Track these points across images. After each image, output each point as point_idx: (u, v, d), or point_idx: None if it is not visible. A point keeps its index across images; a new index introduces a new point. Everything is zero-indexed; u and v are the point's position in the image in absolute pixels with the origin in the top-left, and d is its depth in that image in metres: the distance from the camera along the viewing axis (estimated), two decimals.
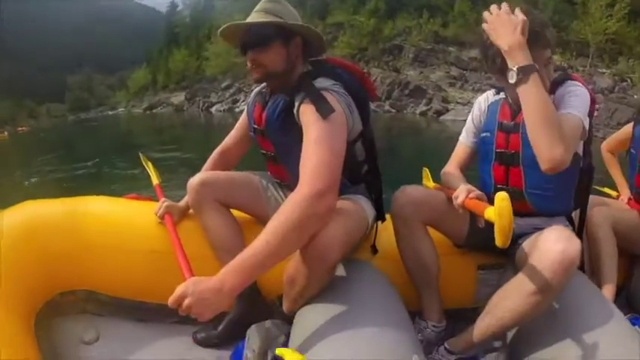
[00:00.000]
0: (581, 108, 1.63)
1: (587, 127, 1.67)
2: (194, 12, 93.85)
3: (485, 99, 2.02)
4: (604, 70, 41.19)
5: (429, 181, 2.29)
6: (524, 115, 1.51)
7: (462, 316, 1.89)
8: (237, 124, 2.08)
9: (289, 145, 1.68)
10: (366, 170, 1.91)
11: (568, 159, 1.46)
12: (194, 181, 1.87)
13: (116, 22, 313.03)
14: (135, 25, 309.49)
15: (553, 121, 1.46)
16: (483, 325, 1.63)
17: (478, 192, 1.60)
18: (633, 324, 2.06)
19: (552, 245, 1.43)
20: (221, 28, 1.73)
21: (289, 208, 1.36)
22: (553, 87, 1.75)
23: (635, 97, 33.35)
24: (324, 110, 1.53)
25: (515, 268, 1.70)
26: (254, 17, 1.69)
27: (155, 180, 2.41)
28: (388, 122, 26.41)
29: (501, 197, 1.24)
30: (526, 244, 1.71)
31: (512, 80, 1.48)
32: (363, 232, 1.73)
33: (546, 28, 1.62)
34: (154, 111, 60.29)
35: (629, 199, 2.64)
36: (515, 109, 1.81)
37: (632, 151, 2.64)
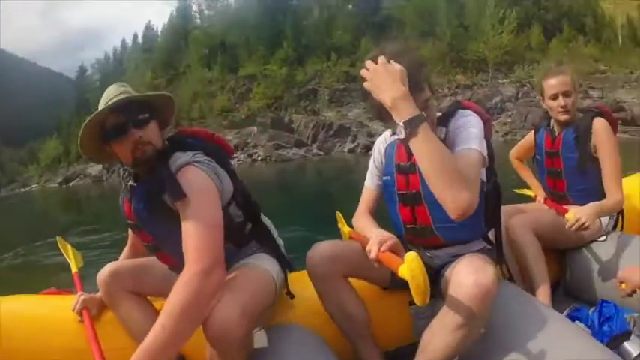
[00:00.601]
0: (477, 139, 1.63)
1: (485, 153, 1.67)
2: (104, 75, 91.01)
3: (383, 141, 2.03)
4: (504, 80, 45.07)
5: (343, 226, 2.37)
6: (421, 168, 1.45)
7: (405, 353, 1.83)
8: None
9: (166, 232, 1.66)
10: (250, 228, 1.90)
11: (475, 201, 1.43)
12: (103, 274, 1.85)
13: (21, 89, 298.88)
14: (42, 91, 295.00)
15: (451, 169, 1.41)
16: None
17: (390, 240, 1.54)
18: (575, 316, 2.24)
19: (464, 278, 1.43)
20: (87, 121, 1.63)
21: (178, 290, 1.37)
22: (445, 119, 1.76)
23: (537, 97, 36.28)
24: (175, 195, 1.53)
25: (441, 297, 1.69)
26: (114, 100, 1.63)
27: (74, 267, 2.34)
28: (318, 165, 26.64)
29: (410, 258, 1.23)
30: (447, 274, 1.72)
31: (401, 136, 1.40)
32: (270, 291, 1.71)
33: (421, 69, 1.60)
34: (71, 184, 56.83)
35: (545, 199, 2.81)
36: (410, 150, 1.73)
37: (537, 156, 2.83)
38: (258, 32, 57.33)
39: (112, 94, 1.68)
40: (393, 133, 1.96)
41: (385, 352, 1.93)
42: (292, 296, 1.94)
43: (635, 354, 1.98)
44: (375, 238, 1.56)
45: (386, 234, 1.61)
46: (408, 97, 1.39)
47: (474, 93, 41.02)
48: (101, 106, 1.65)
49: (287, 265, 1.94)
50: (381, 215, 2.00)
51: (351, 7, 58.62)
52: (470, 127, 1.67)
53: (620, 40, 78.78)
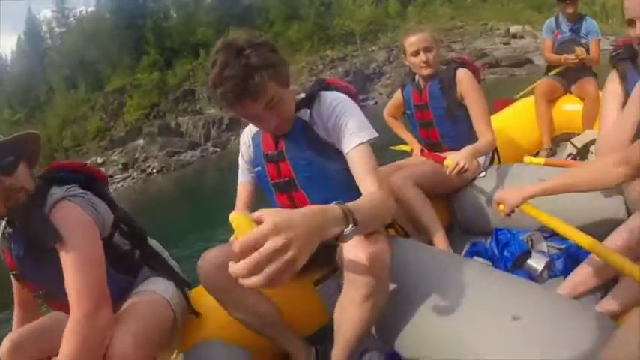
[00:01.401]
0: (357, 124, 1.62)
1: (372, 133, 1.65)
2: None
3: (248, 132, 1.98)
4: (373, 48, 47.33)
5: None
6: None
7: (325, 334, 1.83)
8: None
9: (52, 277, 1.56)
10: (139, 255, 1.86)
11: (385, 185, 1.54)
12: (2, 350, 1.71)
13: None
14: None
15: (383, 213, 1.41)
16: (341, 342, 1.57)
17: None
18: (474, 251, 2.38)
19: (356, 252, 1.36)
20: None
21: (67, 338, 1.36)
22: (308, 100, 1.73)
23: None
24: (50, 238, 1.48)
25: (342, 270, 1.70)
26: None
27: None
28: (217, 163, 25.86)
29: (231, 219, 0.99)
30: (339, 249, 1.65)
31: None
32: (166, 314, 1.70)
33: (254, 76, 1.45)
34: None
35: (422, 150, 2.95)
36: (277, 137, 1.77)
37: (408, 111, 3.00)
38: (118, 43, 53.98)
39: None
40: None
41: (306, 338, 1.93)
42: (197, 314, 1.91)
43: (540, 268, 2.12)
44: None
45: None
46: (324, 227, 1.06)
47: (351, 64, 42.46)
48: None
49: (184, 284, 1.91)
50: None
51: (209, 0, 57.30)
52: (350, 116, 1.64)
53: None
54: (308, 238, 0.91)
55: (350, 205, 1.16)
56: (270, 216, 0.87)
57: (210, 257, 1.70)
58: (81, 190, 1.65)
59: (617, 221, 1.85)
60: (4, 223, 1.74)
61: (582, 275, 1.81)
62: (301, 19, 51.84)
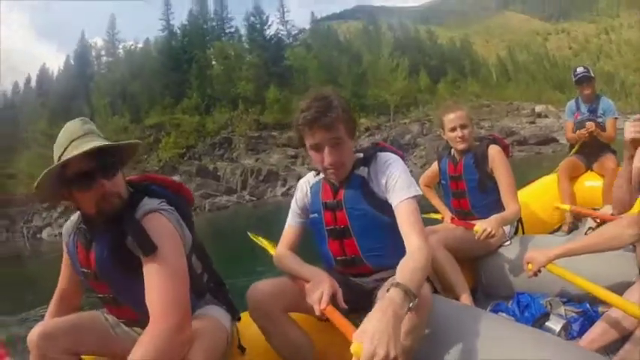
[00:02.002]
0: (409, 184, 1.79)
1: (417, 188, 1.82)
2: None
3: (306, 182, 2.14)
4: (405, 120, 49.61)
5: (263, 242, 2.74)
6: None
7: None
8: (63, 264, 1.87)
9: (129, 284, 1.59)
10: (207, 279, 1.91)
11: (427, 239, 1.66)
12: (33, 335, 1.63)
13: None
14: None
15: (428, 271, 1.53)
16: None
17: (327, 289, 1.65)
18: (497, 311, 2.52)
19: None
20: (53, 165, 1.53)
21: (147, 343, 1.35)
22: (366, 160, 1.93)
23: (438, 132, 40.84)
24: (147, 248, 1.48)
25: None
26: (83, 143, 1.52)
27: None
28: (252, 210, 26.29)
29: (356, 350, 1.13)
30: (383, 292, 1.73)
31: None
32: (225, 343, 1.73)
33: (333, 111, 1.75)
34: None
35: (452, 218, 3.16)
36: (336, 187, 1.97)
37: (443, 181, 3.25)
38: (162, 81, 56.29)
39: (75, 132, 1.57)
40: (317, 174, 2.10)
41: None
42: (243, 350, 1.93)
43: (558, 329, 2.24)
44: (320, 288, 1.67)
45: (319, 279, 1.73)
46: (400, 317, 1.24)
47: (388, 133, 44.65)
48: (63, 141, 1.55)
49: (236, 315, 1.94)
50: (302, 250, 2.11)
51: (250, 57, 59.48)
52: (399, 174, 1.81)
53: (495, 76, 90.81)
54: (395, 337, 1.15)
55: (407, 281, 1.34)
56: (368, 340, 1.12)
57: (260, 287, 1.82)
58: (170, 207, 1.66)
59: (630, 279, 2.04)
60: (77, 218, 1.75)
61: (598, 332, 1.89)
62: (339, 86, 53.63)
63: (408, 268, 1.46)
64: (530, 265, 2.01)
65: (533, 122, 51.49)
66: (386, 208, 1.83)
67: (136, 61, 63.06)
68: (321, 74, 57.01)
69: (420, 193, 1.81)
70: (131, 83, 56.88)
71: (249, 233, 3.21)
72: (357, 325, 1.39)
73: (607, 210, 3.17)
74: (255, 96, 52.16)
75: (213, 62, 59.86)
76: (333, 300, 1.64)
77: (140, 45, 70.25)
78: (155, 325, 1.38)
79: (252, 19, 64.50)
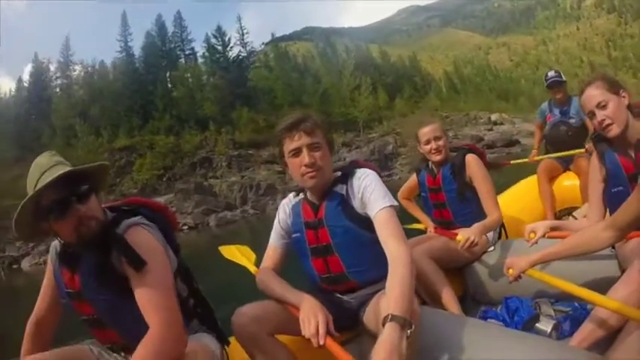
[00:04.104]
0: (385, 194, 1.82)
1: (393, 201, 1.83)
2: None
3: (288, 202, 2.15)
4: (373, 135, 52.56)
5: (248, 263, 2.54)
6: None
7: None
8: (44, 287, 1.85)
9: (113, 304, 1.60)
10: (193, 304, 1.86)
11: (408, 246, 1.66)
12: None
13: None
14: None
15: (413, 283, 1.53)
16: None
17: (323, 318, 1.60)
18: (486, 317, 2.49)
19: None
20: (27, 198, 1.51)
21: (148, 344, 1.39)
22: (344, 177, 1.96)
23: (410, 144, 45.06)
24: (136, 263, 1.49)
25: (367, 333, 1.88)
26: (53, 173, 1.51)
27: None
28: (256, 223, 26.16)
29: None
30: (369, 312, 1.83)
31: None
32: None
33: (312, 119, 1.88)
34: None
35: (435, 228, 3.12)
36: (316, 206, 1.99)
37: (423, 194, 3.21)
38: (126, 103, 55.59)
39: (45, 165, 1.56)
40: (297, 194, 2.13)
41: None
42: None
43: (548, 330, 2.23)
44: (314, 318, 1.60)
45: (311, 307, 1.65)
46: (402, 354, 1.30)
47: (368, 146, 46.65)
48: (35, 175, 1.54)
49: (225, 341, 1.89)
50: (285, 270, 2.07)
51: (213, 79, 59.94)
52: (375, 186, 1.84)
53: (445, 90, 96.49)
54: None
55: (399, 309, 1.38)
56: None
57: (245, 311, 1.77)
58: (151, 223, 1.68)
59: (612, 278, 1.97)
60: (57, 243, 1.73)
61: (587, 331, 1.87)
62: (305, 105, 55.21)
63: (396, 290, 1.47)
64: (511, 271, 2.02)
65: (491, 129, 55.98)
66: (366, 223, 1.85)
67: (95, 83, 61.71)
68: (288, 95, 58.54)
69: (396, 203, 1.83)
70: (91, 106, 55.53)
71: (220, 248, 2.90)
72: (350, 352, 1.47)
73: (586, 209, 3.07)
74: (222, 116, 52.73)
75: (170, 87, 59.64)
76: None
77: (97, 67, 68.12)
78: (157, 328, 1.42)
79: (213, 40, 64.84)
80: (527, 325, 2.33)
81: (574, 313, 2.33)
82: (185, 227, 27.60)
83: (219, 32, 65.00)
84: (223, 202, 31.81)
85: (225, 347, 1.89)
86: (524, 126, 57.72)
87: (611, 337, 1.77)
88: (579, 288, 1.70)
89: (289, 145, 1.86)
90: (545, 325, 2.29)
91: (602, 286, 1.85)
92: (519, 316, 2.39)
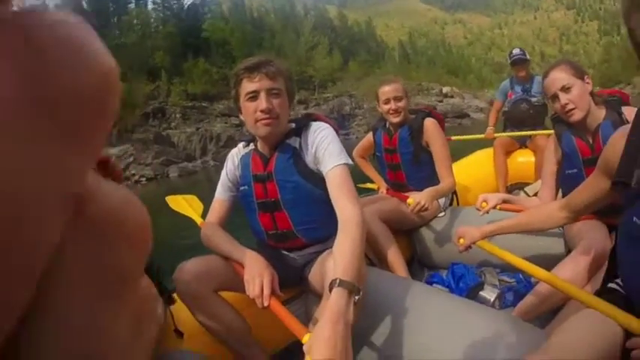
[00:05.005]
0: (340, 152, 1.73)
1: (348, 159, 1.74)
2: None
3: (237, 153, 2.04)
4: (329, 95, 52.97)
5: (194, 214, 2.42)
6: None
7: (292, 351, 1.83)
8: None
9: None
10: None
11: (360, 207, 1.57)
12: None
13: None
14: None
15: (363, 249, 1.47)
16: None
17: (268, 277, 1.60)
18: (432, 282, 2.54)
19: None
20: None
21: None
22: (298, 130, 1.86)
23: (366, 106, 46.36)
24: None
25: (312, 292, 1.88)
26: None
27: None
28: (214, 176, 24.11)
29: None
30: (315, 271, 1.83)
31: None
32: (156, 327, 1.61)
33: (275, 64, 1.77)
34: None
35: (387, 189, 3.12)
36: (266, 158, 1.89)
37: (377, 154, 3.15)
38: None
39: None
40: (247, 144, 2.02)
41: (273, 356, 1.95)
42: (181, 334, 1.82)
43: (492, 299, 2.31)
44: (258, 278, 1.59)
45: (257, 266, 1.64)
46: (349, 320, 1.23)
47: (327, 104, 47.54)
48: None
49: (170, 301, 1.81)
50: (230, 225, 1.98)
51: (164, 27, 57.42)
52: (330, 141, 1.76)
53: (398, 58, 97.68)
54: (348, 350, 1.14)
55: (348, 274, 1.31)
56: (317, 352, 1.10)
57: (187, 267, 1.71)
58: None
59: (557, 256, 2.06)
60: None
61: (529, 304, 1.92)
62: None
63: (346, 253, 1.41)
64: (462, 240, 1.99)
65: (441, 101, 57.49)
66: (318, 179, 1.79)
67: None
68: (244, 48, 57.10)
69: (351, 162, 1.75)
70: None
71: (167, 199, 2.77)
72: (292, 311, 1.47)
73: (537, 185, 3.11)
74: (174, 67, 50.93)
75: (119, 33, 56.56)
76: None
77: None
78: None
79: None
80: (472, 292, 2.36)
81: (518, 285, 2.39)
82: (143, 179, 26.73)
83: None
84: (183, 153, 31.31)
85: (170, 307, 1.81)
86: (473, 101, 60.89)
87: (552, 312, 1.83)
88: (528, 263, 1.68)
89: (247, 87, 1.75)
90: (489, 294, 2.33)
91: (548, 262, 1.89)
92: (464, 282, 2.42)
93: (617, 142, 1.31)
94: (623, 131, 1.30)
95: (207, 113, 43.86)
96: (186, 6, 61.28)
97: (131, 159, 28.16)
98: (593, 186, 1.51)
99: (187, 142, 33.19)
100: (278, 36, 65.43)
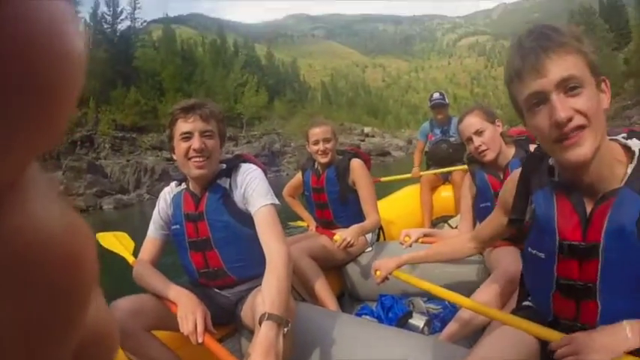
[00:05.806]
0: (268, 192, 1.83)
1: (275, 200, 1.85)
2: None
3: (169, 192, 2.09)
4: (255, 133, 55.17)
5: (125, 252, 2.47)
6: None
7: None
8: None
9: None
10: None
11: (287, 246, 1.70)
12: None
13: None
14: None
15: (289, 283, 1.59)
16: None
17: (204, 313, 1.67)
18: (362, 314, 2.67)
19: None
20: None
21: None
22: (228, 171, 1.95)
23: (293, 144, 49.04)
24: None
25: (245, 328, 1.94)
26: None
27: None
28: (148, 211, 21.28)
29: None
30: (246, 308, 1.87)
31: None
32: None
33: (208, 107, 1.86)
34: None
35: (316, 227, 3.24)
36: (197, 198, 1.97)
37: (306, 193, 3.32)
38: None
39: None
40: (179, 184, 2.07)
41: None
42: None
43: (421, 326, 2.40)
44: (191, 314, 1.63)
45: (189, 304, 1.67)
46: (279, 352, 1.38)
47: (259, 142, 48.98)
48: None
49: None
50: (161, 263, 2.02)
51: (97, 51, 54.82)
52: (258, 182, 1.86)
53: (320, 99, 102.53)
54: None
55: (276, 307, 1.41)
56: None
57: (120, 305, 1.71)
58: None
59: (479, 282, 2.17)
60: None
61: (455, 327, 2.00)
62: (190, 95, 53.10)
63: (273, 289, 1.50)
64: (378, 272, 2.03)
65: (363, 140, 62.01)
66: (247, 219, 1.86)
67: None
68: (175, 81, 57.97)
69: (278, 202, 1.83)
70: None
71: (97, 235, 2.67)
72: (226, 349, 1.55)
73: (459, 218, 3.08)
74: (101, 94, 49.74)
75: None
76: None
77: None
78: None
79: (104, 9, 60.09)
80: (401, 321, 2.41)
81: (444, 311, 2.46)
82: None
83: (113, 1, 60.43)
84: (117, 184, 30.47)
85: None
86: (393, 140, 66.54)
87: (476, 333, 1.88)
88: (446, 291, 1.74)
89: (182, 127, 1.82)
90: (418, 321, 2.39)
91: (471, 287, 2.04)
92: (394, 312, 2.46)
93: (511, 182, 1.41)
94: (518, 172, 1.39)
95: (137, 145, 43.56)
96: (119, 32, 59.93)
97: (61, 188, 25.27)
98: (495, 221, 1.60)
99: (121, 173, 32.34)
100: (208, 70, 66.56)
